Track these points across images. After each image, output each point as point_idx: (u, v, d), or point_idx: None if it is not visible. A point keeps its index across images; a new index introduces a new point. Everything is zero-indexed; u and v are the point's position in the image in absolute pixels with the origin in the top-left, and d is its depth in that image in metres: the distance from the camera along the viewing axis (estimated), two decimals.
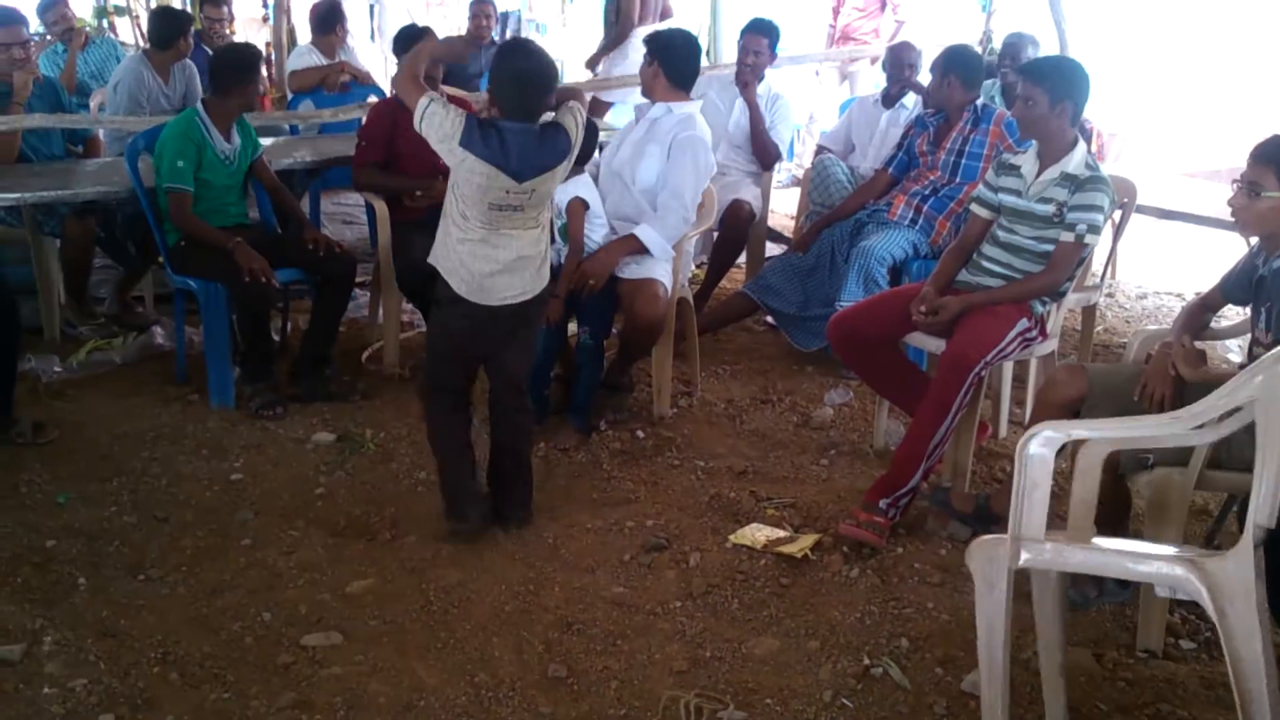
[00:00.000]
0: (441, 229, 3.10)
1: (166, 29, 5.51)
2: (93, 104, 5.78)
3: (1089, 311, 4.48)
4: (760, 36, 5.35)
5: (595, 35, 15.07)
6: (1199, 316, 3.05)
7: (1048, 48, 6.39)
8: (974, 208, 3.59)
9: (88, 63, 6.16)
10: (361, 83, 6.12)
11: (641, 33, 6.15)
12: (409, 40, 4.08)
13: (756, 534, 3.21)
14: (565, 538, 3.24)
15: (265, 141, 4.64)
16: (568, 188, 3.78)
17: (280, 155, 4.88)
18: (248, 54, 4.40)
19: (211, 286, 3.98)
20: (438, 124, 2.93)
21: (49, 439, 3.70)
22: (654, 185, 4.02)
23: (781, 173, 7.14)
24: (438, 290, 3.13)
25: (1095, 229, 3.33)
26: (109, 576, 2.95)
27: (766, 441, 3.96)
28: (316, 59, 6.23)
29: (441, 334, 3.22)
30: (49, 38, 6.06)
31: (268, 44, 6.40)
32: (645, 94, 4.15)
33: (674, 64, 4.06)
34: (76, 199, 4.36)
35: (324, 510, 3.38)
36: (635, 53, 6.45)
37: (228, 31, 6.47)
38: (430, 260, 3.14)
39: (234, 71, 4.17)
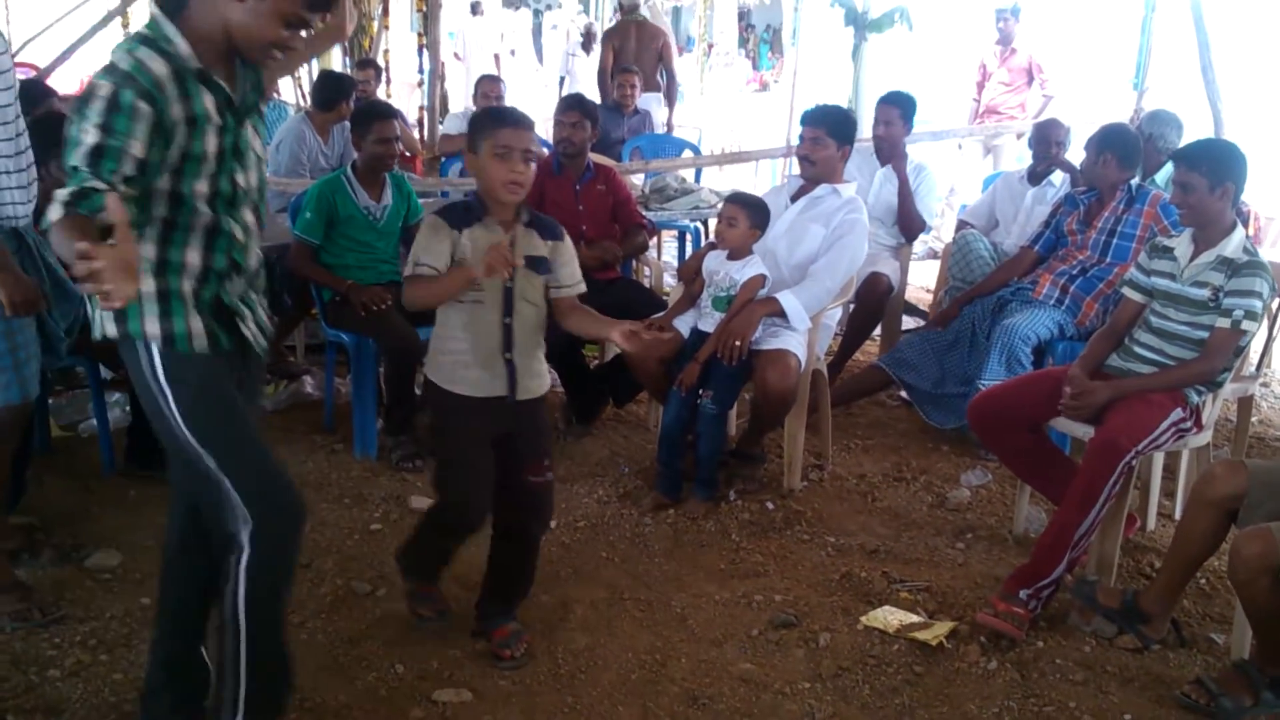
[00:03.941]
0: None
1: (329, 92, 5.78)
2: None
3: (1245, 402, 4.30)
4: (892, 107, 5.36)
5: (732, 101, 15.29)
6: None
7: (1202, 127, 6.24)
8: (1126, 291, 3.50)
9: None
10: None
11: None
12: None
13: (889, 617, 3.14)
14: (693, 608, 3.22)
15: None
16: (748, 267, 3.85)
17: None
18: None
19: (362, 341, 4.12)
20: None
21: None
22: (807, 263, 4.05)
23: (919, 245, 7.08)
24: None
25: (1253, 315, 3.21)
26: None
27: (900, 521, 3.88)
28: (465, 126, 6.45)
29: None
30: None
31: (421, 108, 6.64)
32: (823, 177, 4.19)
33: (850, 145, 4.18)
34: None
35: (458, 564, 3.42)
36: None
37: (375, 92, 6.76)
38: None
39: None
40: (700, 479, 3.92)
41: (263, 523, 2.23)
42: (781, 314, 3.90)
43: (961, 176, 8.44)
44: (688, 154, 7.56)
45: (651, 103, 7.94)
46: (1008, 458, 3.68)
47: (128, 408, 4.04)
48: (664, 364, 3.94)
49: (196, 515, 2.37)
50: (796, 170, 4.46)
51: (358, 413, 4.20)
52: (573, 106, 4.62)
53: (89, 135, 1.99)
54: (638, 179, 6.38)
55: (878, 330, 5.48)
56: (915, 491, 4.15)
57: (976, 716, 2.74)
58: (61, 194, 1.93)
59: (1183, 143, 5.29)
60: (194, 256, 2.18)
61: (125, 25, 9.41)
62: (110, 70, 2.04)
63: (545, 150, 6.50)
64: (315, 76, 6.83)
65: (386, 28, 9.79)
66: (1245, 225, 4.22)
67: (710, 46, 18.54)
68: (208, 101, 2.12)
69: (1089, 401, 3.32)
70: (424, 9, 6.67)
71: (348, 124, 5.71)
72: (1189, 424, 3.33)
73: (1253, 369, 4.25)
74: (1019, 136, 7.72)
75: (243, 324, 2.28)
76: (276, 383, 4.80)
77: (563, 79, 9.44)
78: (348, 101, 5.76)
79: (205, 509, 2.31)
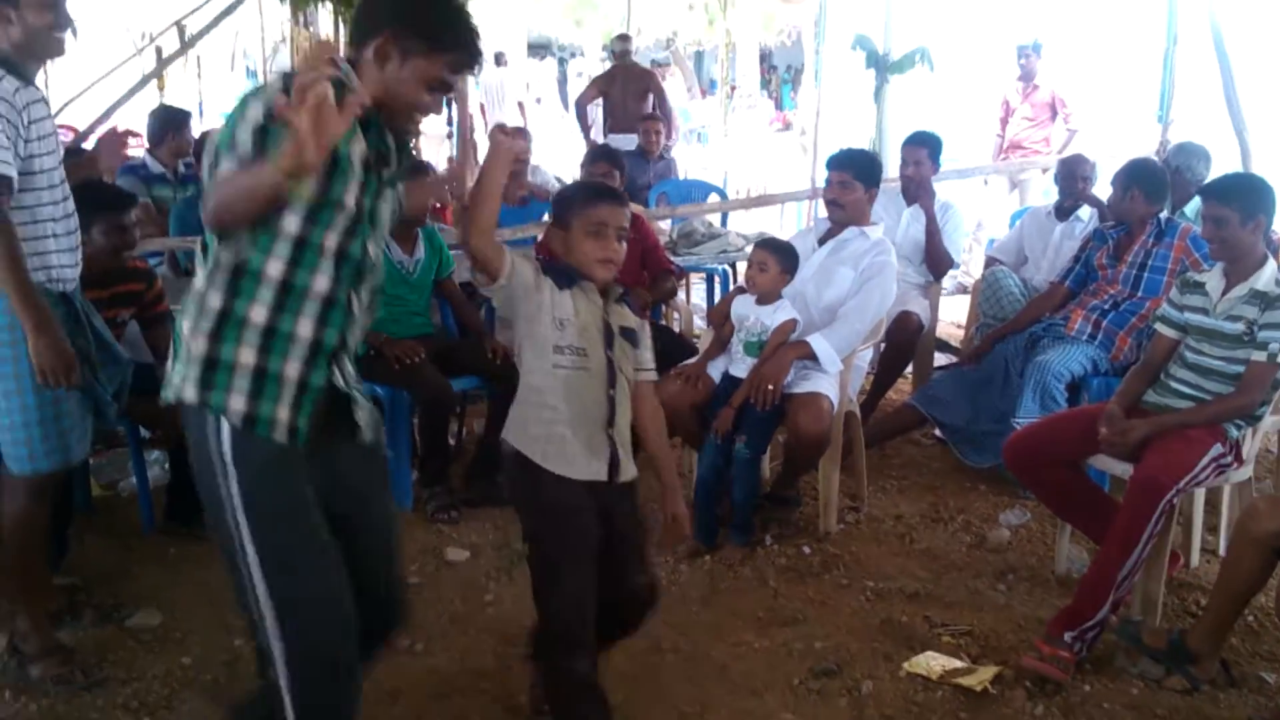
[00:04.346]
0: None
1: None
2: None
3: None
4: (919, 147, 5.38)
5: (756, 141, 15.38)
6: None
7: (1229, 157, 6.22)
8: (1159, 327, 3.48)
9: None
10: (540, 199, 6.37)
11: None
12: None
13: (932, 663, 3.10)
14: (732, 657, 3.19)
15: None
16: (778, 312, 3.84)
17: (462, 267, 5.09)
18: None
19: (396, 393, 4.15)
20: None
21: None
22: (837, 305, 4.06)
23: (948, 280, 7.07)
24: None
25: None
26: None
27: (939, 563, 3.85)
28: None
29: None
30: None
31: (450, 159, 6.73)
32: (852, 220, 4.20)
33: (877, 188, 4.19)
34: None
35: (493, 617, 3.43)
36: None
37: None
38: None
39: None
40: (736, 524, 3.91)
41: (299, 672, 2.03)
42: (813, 357, 3.90)
43: (989, 212, 8.43)
44: (714, 198, 7.60)
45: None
46: (1046, 496, 3.65)
47: (167, 465, 4.09)
48: (696, 410, 3.95)
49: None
50: (823, 212, 4.48)
51: (392, 465, 4.21)
52: (601, 157, 4.68)
53: (254, 111, 1.88)
54: (665, 224, 6.42)
55: (910, 368, 5.46)
56: (954, 532, 4.11)
57: None
58: (224, 167, 1.88)
59: (1210, 174, 5.29)
60: (306, 328, 2.02)
61: (161, 88, 9.63)
62: (258, 92, 1.96)
63: None
64: None
65: None
66: (1276, 256, 4.19)
67: (733, 89, 18.69)
68: (357, 147, 2.01)
69: (1127, 439, 3.29)
70: None
71: None
72: (1229, 459, 3.29)
73: None
74: (1044, 171, 7.72)
75: (356, 410, 2.16)
76: None
77: (589, 127, 9.60)
78: None
79: (250, 627, 2.09)
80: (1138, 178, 4.41)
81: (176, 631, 3.26)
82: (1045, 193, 7.71)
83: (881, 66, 7.91)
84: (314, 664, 2.05)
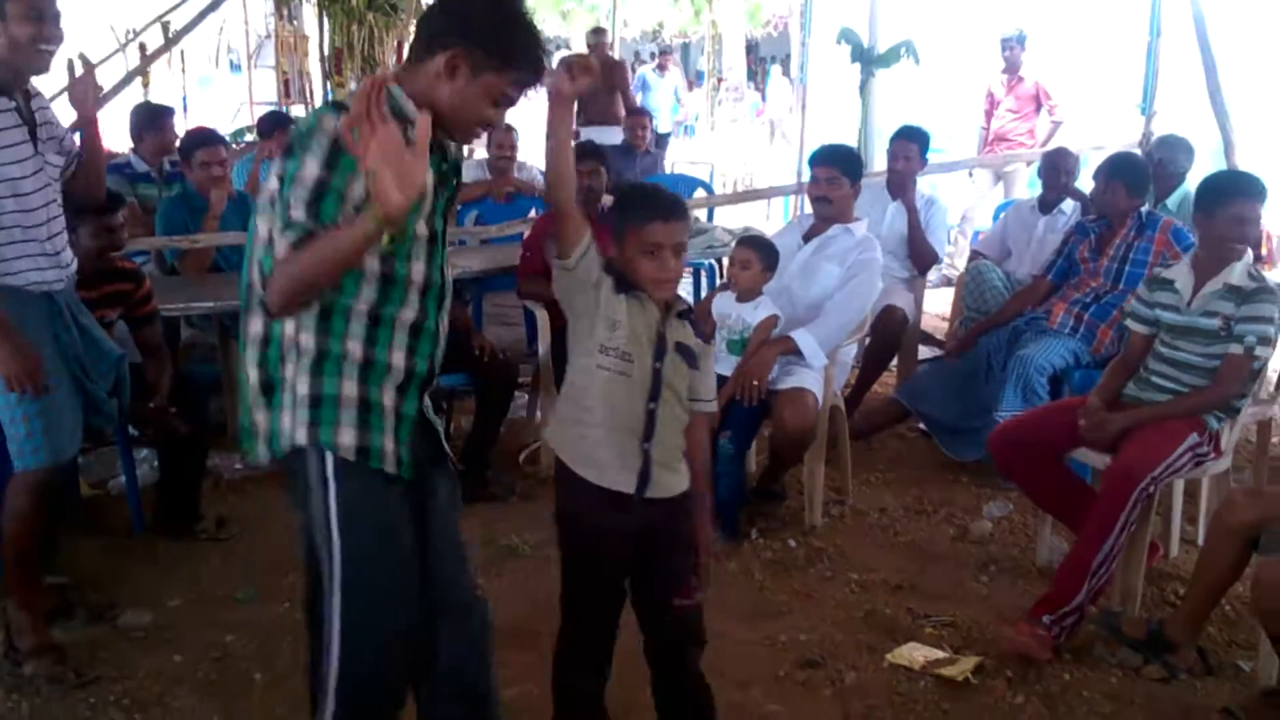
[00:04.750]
0: None
1: None
2: None
3: (1264, 426, 4.29)
4: (910, 143, 5.40)
5: (743, 133, 15.40)
6: None
7: (1212, 148, 6.27)
8: (1131, 324, 3.53)
9: None
10: (526, 195, 6.40)
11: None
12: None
13: (914, 654, 3.15)
14: (718, 650, 3.19)
15: None
16: (759, 309, 3.86)
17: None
18: None
19: None
20: None
21: (231, 535, 3.91)
22: (822, 302, 4.09)
23: (933, 273, 7.12)
24: None
25: (1266, 340, 3.24)
26: (282, 673, 3.05)
27: (923, 554, 3.89)
28: (483, 174, 6.54)
29: None
30: (235, 146, 6.54)
31: None
32: (838, 217, 4.23)
33: (859, 182, 4.22)
34: None
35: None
36: None
37: None
38: None
39: None
40: (722, 519, 3.93)
41: (351, 698, 2.04)
42: (797, 352, 3.93)
43: (974, 203, 8.48)
44: (700, 193, 7.62)
45: (613, 136, 8.00)
46: (1029, 489, 3.69)
47: (155, 464, 4.10)
48: None
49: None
50: (809, 207, 4.50)
51: None
52: (588, 155, 4.69)
53: (310, 170, 1.85)
54: None
55: (894, 362, 5.50)
56: (937, 524, 4.16)
57: None
58: (281, 246, 1.85)
59: (1193, 166, 5.34)
60: (399, 358, 2.03)
61: (146, 84, 9.61)
62: (336, 106, 1.94)
63: None
64: None
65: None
66: (1257, 245, 4.24)
67: (720, 81, 18.71)
68: (429, 175, 1.94)
69: (1106, 431, 3.35)
70: None
71: None
72: (1206, 449, 3.34)
73: (1270, 392, 4.26)
74: (1029, 164, 7.76)
75: (441, 438, 2.19)
76: None
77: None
78: None
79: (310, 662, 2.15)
80: (1119, 171, 4.45)
81: (167, 630, 3.29)
82: (1030, 185, 7.75)
83: (867, 60, 7.94)
84: (362, 691, 2.07)
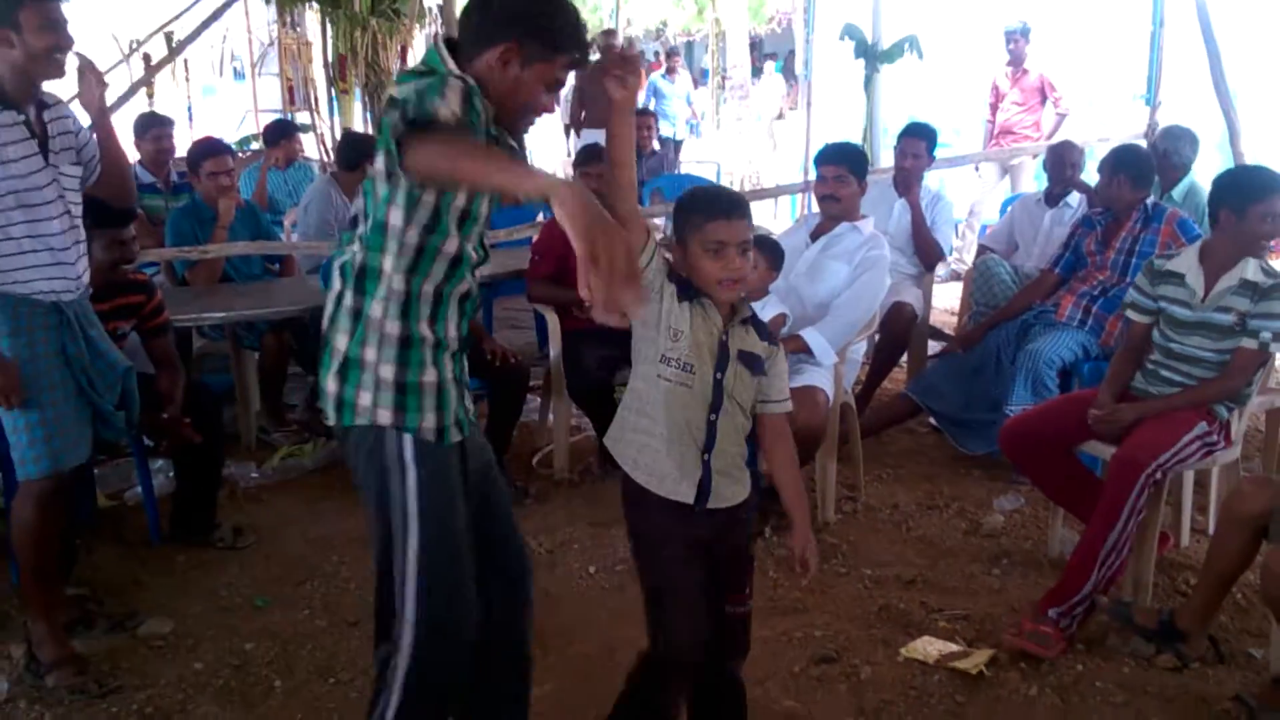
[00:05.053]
0: None
1: (354, 152, 5.90)
2: (286, 222, 6.22)
3: (1274, 414, 4.30)
4: (918, 140, 5.41)
5: (749, 130, 15.41)
6: None
7: (1217, 137, 6.26)
8: (1131, 315, 3.55)
9: (286, 181, 6.64)
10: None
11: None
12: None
13: (928, 648, 3.17)
14: None
15: None
16: (767, 307, 3.89)
17: None
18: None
19: None
20: None
21: (248, 543, 3.94)
22: (831, 301, 4.10)
23: (940, 267, 7.14)
24: None
25: None
26: (302, 680, 3.10)
27: (935, 549, 3.91)
28: None
29: None
30: (241, 155, 6.59)
31: None
32: (846, 215, 4.24)
33: (865, 180, 4.22)
34: (275, 316, 4.70)
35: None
36: None
37: None
38: None
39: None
40: None
41: (426, 641, 2.13)
42: (807, 351, 3.95)
43: (982, 197, 8.48)
44: None
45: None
46: (1040, 481, 3.71)
47: (172, 474, 4.14)
48: None
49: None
50: (815, 205, 4.52)
51: None
52: (595, 157, 4.70)
53: (448, 103, 1.90)
54: (660, 220, 6.46)
55: (904, 358, 5.51)
56: (949, 519, 4.17)
57: None
58: (443, 110, 1.88)
59: (1197, 157, 5.34)
60: (453, 329, 2.17)
61: (150, 95, 9.67)
62: (455, 75, 2.00)
63: None
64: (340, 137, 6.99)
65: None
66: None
67: (724, 79, 18.70)
68: None
69: (1116, 422, 3.36)
70: None
71: None
72: (1216, 438, 3.35)
73: None
74: (1035, 157, 7.76)
75: (469, 401, 2.26)
76: (315, 441, 4.89)
77: (569, 125, 9.70)
78: (372, 161, 5.86)
79: (377, 590, 2.25)
80: (1123, 164, 4.45)
81: (188, 638, 3.32)
82: (1036, 178, 7.75)
83: (870, 56, 7.95)
84: (441, 638, 2.16)
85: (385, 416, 2.10)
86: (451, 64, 2.10)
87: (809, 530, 2.43)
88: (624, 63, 2.21)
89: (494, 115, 2.10)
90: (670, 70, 13.86)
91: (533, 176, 1.86)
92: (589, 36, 2.22)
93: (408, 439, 2.11)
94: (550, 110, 2.24)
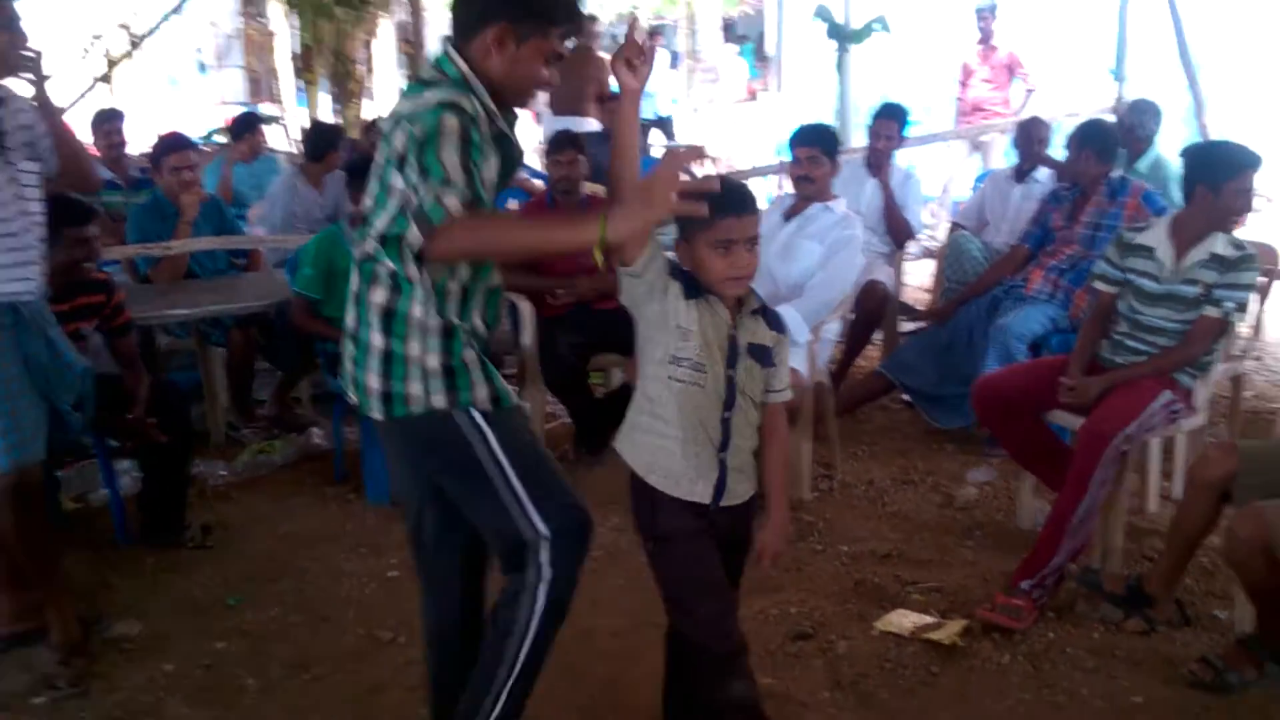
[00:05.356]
0: None
1: (319, 143, 5.87)
2: (251, 215, 6.16)
3: (1237, 380, 4.33)
4: (891, 120, 5.43)
5: (721, 113, 15.37)
6: None
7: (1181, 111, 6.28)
8: (1099, 285, 3.57)
9: (252, 174, 6.57)
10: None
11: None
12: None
13: (903, 620, 3.18)
14: None
15: None
16: None
17: None
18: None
19: None
20: None
21: (217, 542, 3.88)
22: (804, 281, 4.09)
23: (912, 245, 7.15)
24: None
25: (1244, 307, 3.32)
26: (276, 677, 3.07)
27: (910, 523, 3.92)
28: None
29: None
30: (206, 149, 6.54)
31: None
32: (820, 195, 4.24)
33: (837, 160, 4.21)
34: (241, 311, 4.66)
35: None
36: None
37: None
38: None
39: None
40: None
41: (561, 538, 2.22)
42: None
43: (953, 173, 8.50)
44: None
45: (589, 125, 7.94)
46: (1011, 444, 3.72)
47: (137, 474, 4.08)
48: None
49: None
50: (789, 186, 4.50)
51: (368, 460, 4.24)
52: (566, 144, 4.68)
53: (450, 155, 1.99)
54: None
55: (878, 335, 5.52)
56: (923, 493, 4.19)
57: (992, 711, 2.79)
58: (452, 203, 1.97)
59: (1160, 129, 5.36)
60: (479, 319, 2.26)
61: (112, 91, 9.55)
62: (448, 106, 2.04)
63: (539, 182, 6.58)
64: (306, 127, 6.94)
65: (371, 70, 9.88)
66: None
67: (697, 61, 18.65)
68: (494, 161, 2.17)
69: (1085, 394, 3.38)
70: (409, 51, 6.76)
71: (341, 174, 5.81)
72: (1180, 406, 3.38)
73: (1243, 348, 4.29)
74: (1004, 133, 7.78)
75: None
76: (285, 436, 4.86)
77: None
78: (337, 151, 5.83)
79: (495, 540, 2.31)
80: (1089, 139, 4.47)
81: (157, 640, 3.27)
82: (1006, 154, 7.77)
83: (841, 36, 7.95)
84: (569, 534, 2.25)
85: (441, 400, 2.19)
86: (462, 64, 2.15)
87: (783, 525, 2.43)
88: (640, 52, 2.26)
89: (493, 97, 2.15)
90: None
91: (574, 230, 2.04)
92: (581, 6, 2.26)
93: (474, 413, 2.21)
94: (554, 83, 2.27)
